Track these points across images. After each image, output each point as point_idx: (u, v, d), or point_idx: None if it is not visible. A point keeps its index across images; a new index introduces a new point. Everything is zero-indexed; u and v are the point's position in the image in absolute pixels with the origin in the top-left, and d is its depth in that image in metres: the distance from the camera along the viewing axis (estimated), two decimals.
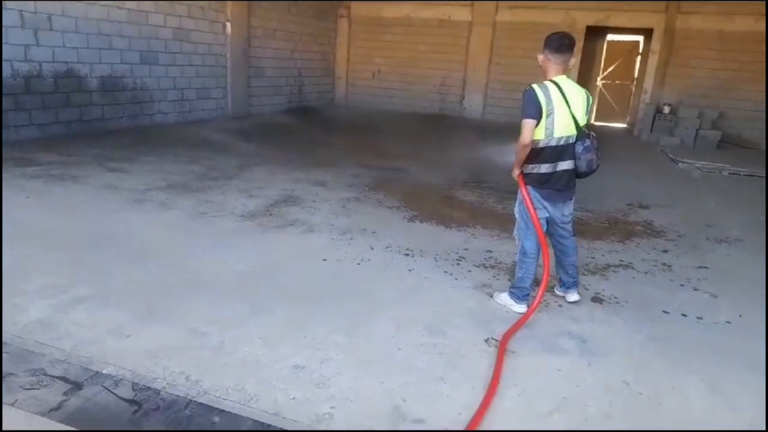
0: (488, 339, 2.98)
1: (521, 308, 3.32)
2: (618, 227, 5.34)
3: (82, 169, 6.15)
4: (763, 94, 11.67)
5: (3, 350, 2.55)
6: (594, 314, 3.39)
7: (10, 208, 4.58)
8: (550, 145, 3.17)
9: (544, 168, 3.22)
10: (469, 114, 14.09)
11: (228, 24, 10.66)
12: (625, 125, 13.86)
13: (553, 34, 3.21)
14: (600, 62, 14.24)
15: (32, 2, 7.16)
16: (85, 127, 8.19)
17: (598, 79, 14.30)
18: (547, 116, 3.10)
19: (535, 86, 3.12)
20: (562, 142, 3.18)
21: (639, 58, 13.66)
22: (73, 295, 3.18)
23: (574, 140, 3.19)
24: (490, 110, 13.94)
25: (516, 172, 3.33)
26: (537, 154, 3.20)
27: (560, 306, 3.47)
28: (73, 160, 6.56)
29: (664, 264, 4.36)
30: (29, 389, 2.29)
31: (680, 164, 9.25)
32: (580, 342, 3.01)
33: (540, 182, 3.26)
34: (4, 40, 6.89)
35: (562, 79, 3.17)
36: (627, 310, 3.48)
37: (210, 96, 10.70)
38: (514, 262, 3.80)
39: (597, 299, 3.61)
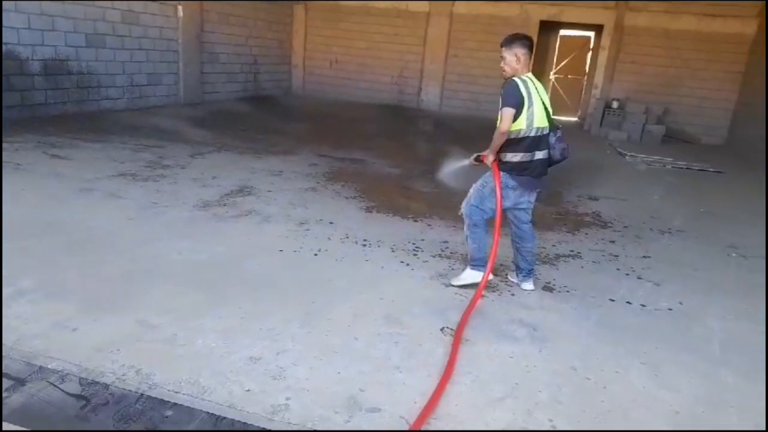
0: (444, 328, 3.03)
1: (479, 278, 3.52)
2: (568, 218, 5.51)
3: (25, 156, 5.86)
4: (705, 91, 12.27)
5: None
6: (544, 302, 3.50)
7: None
8: (530, 135, 3.37)
9: (523, 157, 3.40)
10: (427, 106, 14.18)
11: (180, 7, 10.33)
12: (576, 119, 14.27)
13: (519, 34, 3.42)
14: (553, 57, 14.58)
15: None
16: (27, 112, 7.79)
17: (551, 73, 14.64)
18: (528, 108, 3.31)
19: (516, 79, 3.32)
20: (539, 133, 3.39)
21: (590, 53, 14.05)
22: (16, 287, 3.04)
23: (547, 131, 3.43)
24: (447, 102, 14.07)
25: (491, 159, 3.44)
26: (518, 143, 3.38)
27: (513, 295, 3.57)
28: (15, 146, 6.23)
29: (611, 254, 4.54)
30: None
31: (627, 157, 9.61)
32: (531, 330, 3.10)
33: (518, 170, 3.43)
34: None
35: (531, 76, 3.41)
36: (576, 298, 3.61)
37: (161, 82, 10.36)
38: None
39: (548, 288, 3.72)
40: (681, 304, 3.64)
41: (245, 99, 12.73)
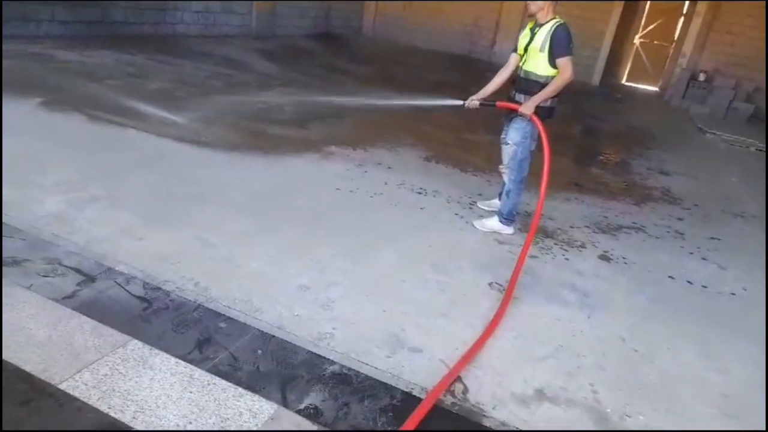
0: (492, 283, 3.02)
1: (510, 230, 3.66)
2: (635, 190, 5.27)
3: (102, 70, 6.08)
4: None
5: (20, 237, 2.61)
6: (600, 271, 3.40)
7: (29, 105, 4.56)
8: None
9: (552, 102, 3.45)
10: (499, 59, 13.62)
11: None
12: (656, 88, 13.43)
13: None
14: (641, 20, 13.62)
15: None
16: (106, 28, 8.02)
17: (636, 37, 13.73)
18: None
19: (565, 23, 3.31)
20: None
21: (682, 19, 13.04)
22: (88, 193, 3.22)
23: None
24: None
25: (532, 108, 3.36)
26: None
27: (567, 259, 3.48)
28: (94, 60, 6.46)
29: (676, 231, 4.33)
30: (45, 276, 2.36)
31: (707, 134, 9.02)
32: (582, 296, 3.04)
33: (548, 115, 3.47)
34: None
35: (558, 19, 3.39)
36: (633, 270, 3.49)
37: (235, 11, 10.39)
38: (526, 212, 3.81)
39: (604, 257, 3.61)
40: (745, 290, 3.47)
41: (315, 36, 12.63)
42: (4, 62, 5.56)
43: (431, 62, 12.20)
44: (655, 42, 13.66)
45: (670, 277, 3.49)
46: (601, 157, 6.45)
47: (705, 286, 3.43)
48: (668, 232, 4.29)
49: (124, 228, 2.91)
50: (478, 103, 3.64)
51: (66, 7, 7.37)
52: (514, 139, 3.57)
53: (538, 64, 3.37)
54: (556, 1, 3.35)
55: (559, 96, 3.45)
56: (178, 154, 4.18)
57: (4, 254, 2.44)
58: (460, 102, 3.70)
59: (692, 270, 3.64)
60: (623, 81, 14.18)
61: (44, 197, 3.08)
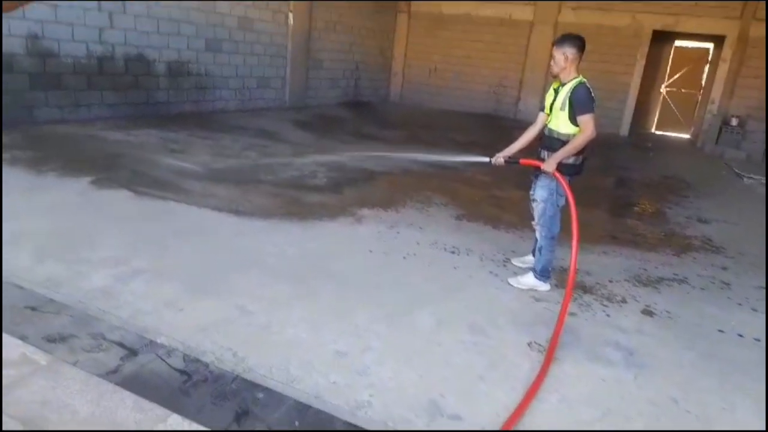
0: (531, 342, 2.95)
1: (546, 287, 3.63)
2: (674, 240, 5.15)
3: (148, 148, 6.43)
4: None
5: (68, 313, 2.72)
6: (643, 327, 3.29)
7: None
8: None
9: (576, 159, 3.49)
10: (524, 116, 13.81)
11: (291, 15, 10.87)
12: (687, 136, 13.31)
13: (570, 34, 3.48)
14: (666, 69, 13.71)
15: None
16: (151, 109, 8.54)
17: (663, 86, 13.77)
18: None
19: (585, 82, 3.38)
20: None
21: (708, 66, 13.06)
22: (133, 267, 3.35)
23: None
24: None
25: (554, 165, 3.41)
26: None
27: (608, 316, 3.39)
28: (140, 140, 6.86)
29: (722, 281, 4.18)
30: (89, 352, 2.43)
31: (745, 179, 8.81)
32: (627, 354, 2.93)
33: (574, 172, 3.52)
34: (81, 22, 7.25)
35: (581, 78, 3.45)
36: (679, 325, 3.36)
37: (269, 85, 10.94)
38: (562, 267, 3.74)
39: (647, 312, 3.50)
40: None
41: (345, 104, 13.12)
42: (62, 144, 5.97)
43: (458, 123, 12.45)
44: (683, 90, 13.66)
45: (719, 330, 3.34)
46: (635, 208, 6.35)
47: (758, 339, 3.27)
48: (713, 282, 4.14)
49: (166, 300, 3.00)
50: (503, 160, 3.69)
51: (114, 91, 7.92)
52: (541, 196, 3.61)
53: (560, 122, 3.45)
54: (578, 60, 3.43)
55: (584, 152, 3.49)
56: (217, 224, 4.33)
57: (53, 331, 2.54)
58: (487, 159, 3.77)
59: (742, 322, 3.48)
60: (653, 130, 14.12)
61: (92, 272, 3.22)
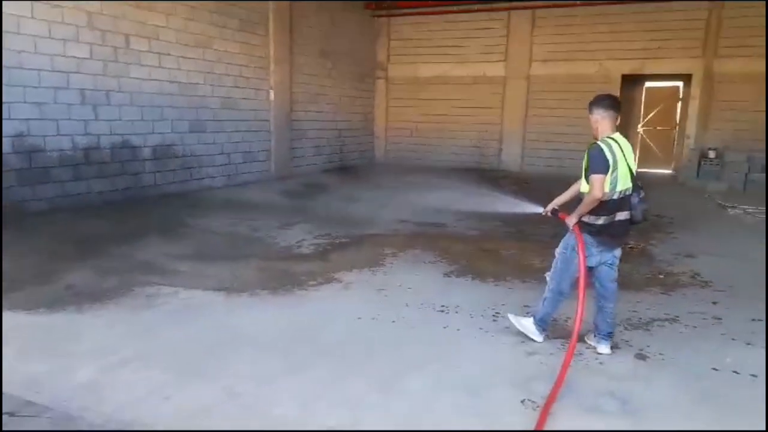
0: (524, 400, 2.90)
1: (540, 338, 3.59)
2: (662, 279, 5.16)
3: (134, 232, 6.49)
4: None
5: (47, 415, 2.66)
6: (638, 372, 3.26)
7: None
8: (612, 198, 3.38)
9: (605, 219, 3.41)
10: (507, 166, 14.09)
11: (271, 92, 11.25)
12: (669, 171, 13.55)
13: (600, 96, 3.51)
14: (639, 109, 14.13)
15: (92, 79, 7.77)
16: (138, 192, 8.66)
17: (639, 126, 14.14)
18: (613, 171, 3.33)
19: (601, 144, 3.36)
20: (622, 195, 3.40)
21: (680, 103, 13.49)
22: (119, 356, 3.31)
23: (630, 192, 3.44)
24: (529, 161, 13.92)
25: (573, 221, 3.44)
26: (600, 206, 3.38)
27: (601, 364, 3.36)
28: (130, 227, 6.92)
29: (713, 317, 4.17)
30: None
31: (730, 210, 8.92)
32: (622, 403, 2.89)
33: (595, 232, 3.43)
34: (67, 116, 7.48)
35: (617, 136, 3.43)
36: (673, 366, 3.33)
37: (255, 159, 11.16)
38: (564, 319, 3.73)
39: (640, 356, 3.47)
40: None
41: (331, 170, 13.34)
42: (61, 239, 6.01)
43: (443, 178, 12.64)
44: (658, 128, 14.04)
45: (714, 369, 3.30)
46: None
47: (754, 375, 3.23)
48: (704, 318, 4.13)
49: (152, 389, 2.95)
50: (549, 211, 3.74)
51: (101, 179, 8.04)
52: (559, 249, 3.62)
53: (583, 180, 3.49)
54: (610, 118, 3.41)
55: (614, 214, 3.40)
56: (205, 304, 4.32)
57: None
58: (540, 209, 3.85)
59: (737, 358, 3.45)
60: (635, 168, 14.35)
61: (77, 367, 3.18)
